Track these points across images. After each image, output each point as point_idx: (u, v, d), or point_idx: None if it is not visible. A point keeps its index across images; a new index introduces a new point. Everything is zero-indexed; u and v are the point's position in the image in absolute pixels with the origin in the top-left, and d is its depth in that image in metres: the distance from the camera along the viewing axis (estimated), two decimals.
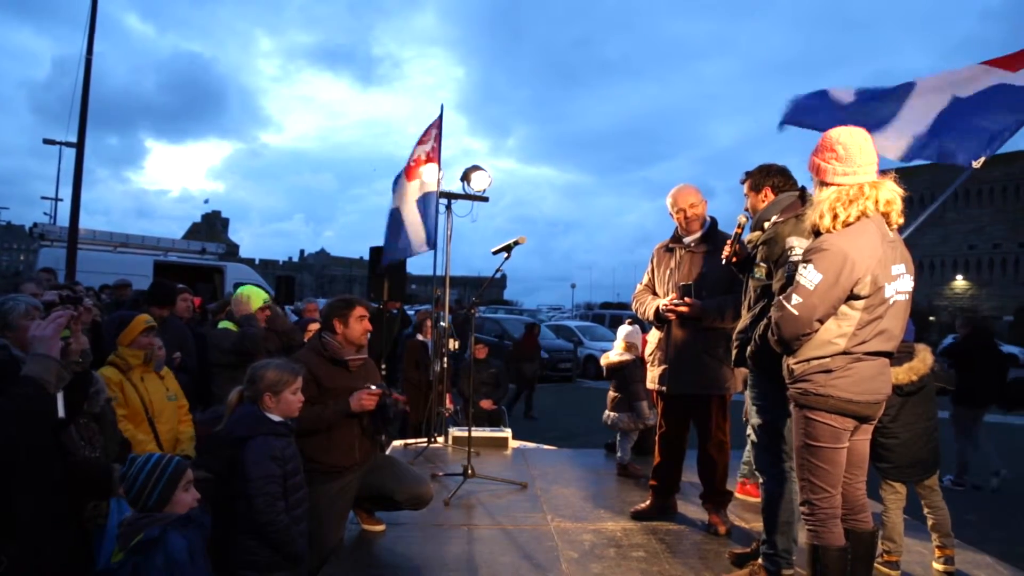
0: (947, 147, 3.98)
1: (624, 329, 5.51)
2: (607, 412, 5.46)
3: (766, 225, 3.17)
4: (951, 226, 54.07)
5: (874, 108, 4.23)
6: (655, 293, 4.22)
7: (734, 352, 3.26)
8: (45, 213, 29.75)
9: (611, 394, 5.47)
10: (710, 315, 3.88)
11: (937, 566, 3.48)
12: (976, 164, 3.84)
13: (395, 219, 6.51)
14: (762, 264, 3.12)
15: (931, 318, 42.72)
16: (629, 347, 5.37)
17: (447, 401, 6.61)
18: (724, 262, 3.45)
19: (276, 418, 2.98)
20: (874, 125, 3.91)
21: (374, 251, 7.52)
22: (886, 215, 2.54)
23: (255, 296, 5.18)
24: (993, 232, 54.20)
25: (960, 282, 56.10)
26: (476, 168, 6.36)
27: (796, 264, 2.89)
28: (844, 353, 2.51)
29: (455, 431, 6.32)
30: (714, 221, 4.17)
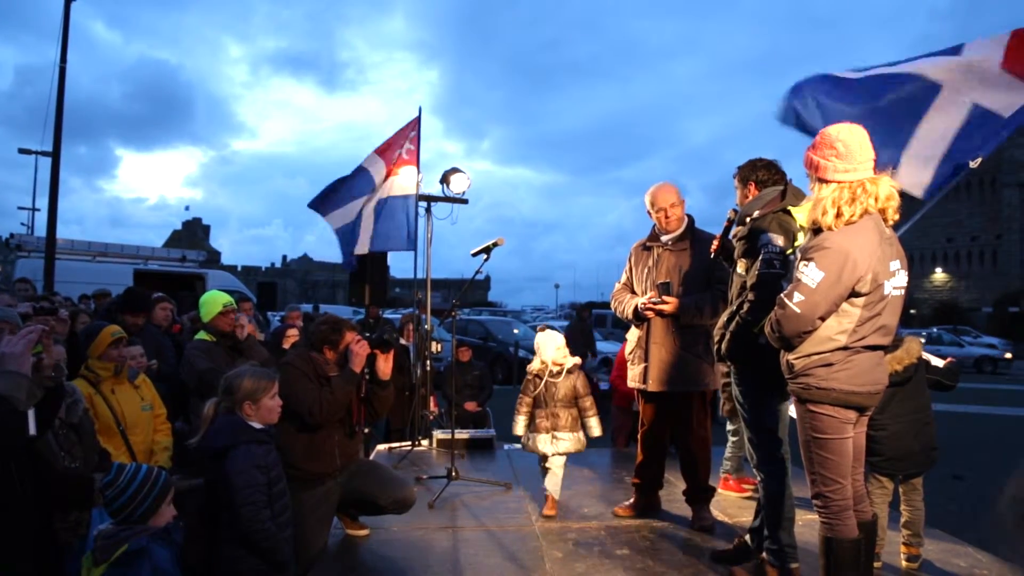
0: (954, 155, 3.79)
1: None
2: None
3: (748, 220, 3.19)
4: (929, 220, 54.46)
5: (886, 115, 3.85)
6: (633, 292, 4.23)
7: (714, 347, 3.28)
8: (22, 224, 29.38)
9: None
10: (688, 312, 3.90)
11: (903, 562, 3.52)
12: (973, 164, 3.77)
13: (356, 220, 6.50)
14: (743, 259, 3.15)
15: (911, 311, 43.15)
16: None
17: (431, 404, 6.59)
18: (712, 256, 3.47)
19: (257, 425, 2.96)
20: (888, 144, 3.62)
21: (357, 258, 7.47)
22: (883, 211, 2.56)
23: (213, 301, 4.39)
24: (971, 225, 55.00)
25: (939, 275, 56.83)
26: (455, 170, 6.37)
27: (771, 259, 2.94)
28: (843, 348, 2.54)
29: (439, 434, 6.31)
30: (691, 219, 4.18)
